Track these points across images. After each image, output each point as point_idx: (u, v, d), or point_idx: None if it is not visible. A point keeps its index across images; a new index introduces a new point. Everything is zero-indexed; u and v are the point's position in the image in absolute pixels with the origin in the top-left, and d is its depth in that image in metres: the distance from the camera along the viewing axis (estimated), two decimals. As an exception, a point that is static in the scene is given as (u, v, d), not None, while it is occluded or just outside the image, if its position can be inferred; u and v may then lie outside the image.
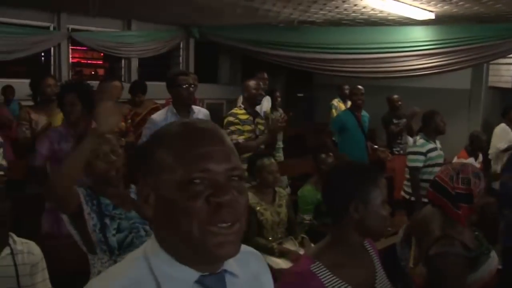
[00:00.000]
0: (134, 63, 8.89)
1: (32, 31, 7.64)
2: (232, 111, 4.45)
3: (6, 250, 2.43)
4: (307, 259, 1.70)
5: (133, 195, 2.31)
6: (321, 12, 7.39)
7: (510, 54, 7.79)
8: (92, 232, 2.14)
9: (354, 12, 7.26)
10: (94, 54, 8.87)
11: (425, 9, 6.67)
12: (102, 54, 9.06)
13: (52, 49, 8.05)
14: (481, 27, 7.50)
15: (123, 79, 8.79)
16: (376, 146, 6.19)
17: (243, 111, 4.39)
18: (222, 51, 10.36)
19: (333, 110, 7.66)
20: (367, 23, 8.11)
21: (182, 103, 3.79)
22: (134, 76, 8.69)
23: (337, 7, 6.96)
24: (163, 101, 6.05)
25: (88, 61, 8.81)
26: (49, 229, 3.17)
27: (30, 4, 7.39)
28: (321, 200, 4.23)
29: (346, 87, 7.59)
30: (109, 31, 8.50)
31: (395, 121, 6.83)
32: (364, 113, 5.94)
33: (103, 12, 7.62)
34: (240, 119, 4.30)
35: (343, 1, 6.57)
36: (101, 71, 9.32)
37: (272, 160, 3.74)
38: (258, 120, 4.47)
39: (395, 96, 7.08)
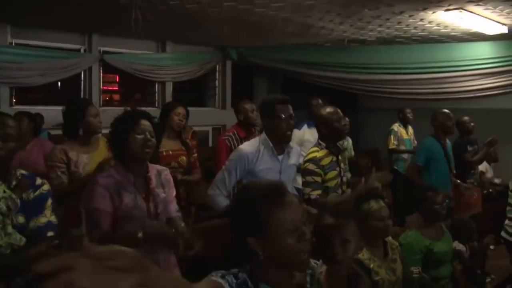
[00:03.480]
0: (169, 87, 8.24)
1: (63, 54, 7.06)
2: (313, 155, 3.33)
3: None
4: None
5: None
6: (378, 29, 6.73)
7: None
8: None
9: (415, 28, 6.60)
10: (109, 78, 8.19)
11: (498, 22, 6.02)
12: (117, 79, 8.38)
13: (82, 73, 7.44)
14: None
15: (156, 105, 8.16)
16: (458, 181, 5.39)
17: (325, 151, 3.36)
18: (258, 73, 9.70)
19: (392, 136, 6.94)
20: (423, 41, 7.43)
21: (279, 137, 3.07)
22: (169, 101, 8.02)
23: (399, 23, 6.29)
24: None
25: (103, 87, 7.99)
26: None
27: (61, 25, 6.81)
28: (431, 248, 3.53)
29: (408, 110, 6.86)
30: (143, 53, 7.89)
31: (469, 148, 5.96)
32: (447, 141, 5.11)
33: (137, 33, 7.02)
34: (323, 166, 3.30)
35: (410, 16, 5.90)
36: (116, 97, 8.63)
37: (382, 203, 2.98)
38: (341, 158, 3.48)
39: (466, 118, 5.99)
